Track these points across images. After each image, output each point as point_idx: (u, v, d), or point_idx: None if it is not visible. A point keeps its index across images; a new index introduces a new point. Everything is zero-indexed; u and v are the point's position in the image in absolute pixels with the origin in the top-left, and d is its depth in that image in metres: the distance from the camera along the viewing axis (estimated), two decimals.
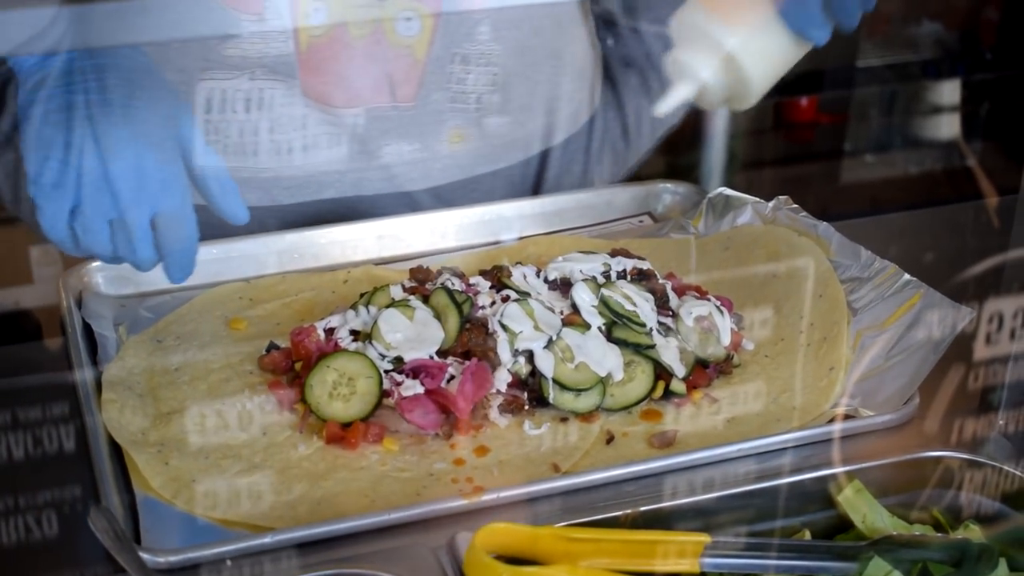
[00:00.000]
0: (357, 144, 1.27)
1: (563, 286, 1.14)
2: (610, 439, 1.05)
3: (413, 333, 1.07)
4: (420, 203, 1.34)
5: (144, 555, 0.90)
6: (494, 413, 1.06)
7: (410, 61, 1.26)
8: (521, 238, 1.33)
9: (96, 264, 1.22)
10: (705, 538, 0.91)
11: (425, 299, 1.10)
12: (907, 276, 1.19)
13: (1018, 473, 0.99)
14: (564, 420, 1.06)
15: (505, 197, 1.38)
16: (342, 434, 1.03)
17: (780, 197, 1.33)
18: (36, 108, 0.98)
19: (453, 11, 1.23)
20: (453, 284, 1.12)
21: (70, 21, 0.93)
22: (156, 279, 1.23)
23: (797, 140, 2.22)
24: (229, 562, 0.91)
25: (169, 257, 1.03)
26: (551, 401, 1.06)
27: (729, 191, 1.35)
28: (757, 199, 1.34)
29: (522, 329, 1.08)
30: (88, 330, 1.15)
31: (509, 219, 1.35)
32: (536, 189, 1.42)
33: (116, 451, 1.01)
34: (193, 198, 1.03)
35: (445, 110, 1.29)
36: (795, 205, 1.32)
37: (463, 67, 1.28)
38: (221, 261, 1.26)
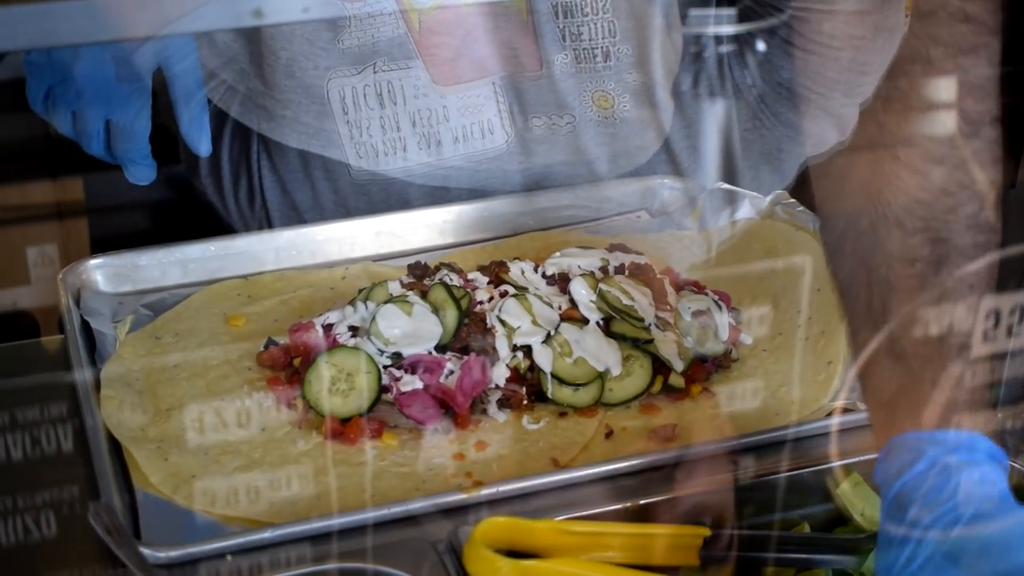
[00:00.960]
0: (509, 124, 1.30)
1: (561, 281, 1.14)
2: (609, 433, 1.05)
3: (411, 328, 1.07)
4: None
5: (145, 550, 0.90)
6: (493, 408, 1.06)
7: (520, 23, 1.25)
8: (518, 234, 1.33)
9: (95, 262, 1.22)
10: (704, 531, 0.92)
11: (423, 295, 1.10)
12: None
13: (1017, 466, 0.99)
14: (563, 415, 1.06)
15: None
16: (341, 429, 1.03)
17: (777, 192, 1.33)
18: None
19: None
20: (451, 280, 1.13)
21: None
22: (156, 276, 1.24)
23: None
24: (229, 557, 0.91)
25: (121, 163, 1.12)
26: (550, 396, 1.06)
27: (726, 186, 1.35)
28: (754, 194, 1.34)
29: (520, 324, 1.08)
30: (86, 328, 1.15)
31: (506, 215, 1.35)
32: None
33: (115, 448, 1.01)
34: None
35: (570, 71, 1.28)
36: (792, 200, 1.32)
37: (570, 20, 1.25)
38: (219, 258, 1.26)
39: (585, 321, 1.09)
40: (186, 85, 1.12)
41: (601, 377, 1.07)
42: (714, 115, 1.39)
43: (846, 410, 1.06)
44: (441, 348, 1.07)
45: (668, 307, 1.13)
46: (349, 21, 1.22)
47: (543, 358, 1.07)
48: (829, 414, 1.05)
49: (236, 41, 1.32)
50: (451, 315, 1.08)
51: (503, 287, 1.12)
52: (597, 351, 1.07)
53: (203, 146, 1.13)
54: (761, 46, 1.28)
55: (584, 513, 0.96)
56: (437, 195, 1.34)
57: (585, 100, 1.30)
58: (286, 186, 1.36)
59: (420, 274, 1.16)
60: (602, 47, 1.27)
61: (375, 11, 1.22)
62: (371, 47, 1.25)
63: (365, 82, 1.27)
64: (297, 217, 1.37)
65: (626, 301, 1.11)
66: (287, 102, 1.30)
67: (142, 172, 1.13)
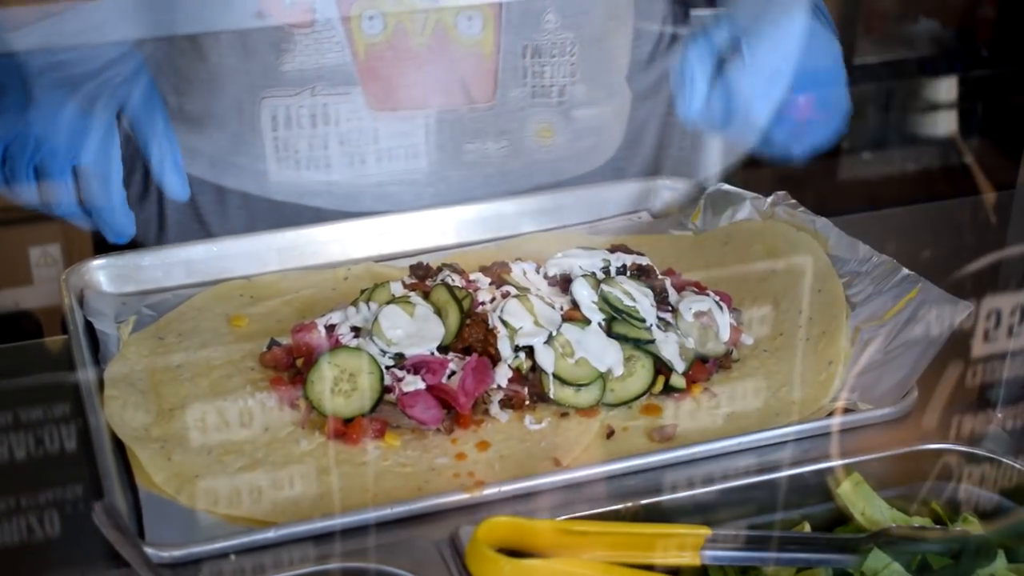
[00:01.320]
0: (433, 149, 1.28)
1: (563, 282, 1.14)
2: (610, 433, 1.05)
3: (414, 329, 1.07)
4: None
5: (148, 550, 0.90)
6: (495, 408, 1.06)
7: (479, 59, 1.25)
8: (520, 235, 1.33)
9: (98, 262, 1.22)
10: (706, 531, 0.92)
11: (425, 295, 1.11)
12: (905, 271, 1.19)
13: (1017, 466, 1.00)
14: (564, 415, 1.06)
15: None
16: (344, 430, 1.03)
17: (778, 193, 1.33)
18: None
19: (514, 1, 1.23)
20: (453, 280, 1.13)
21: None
22: (159, 277, 1.24)
23: None
24: (233, 557, 0.92)
25: (94, 213, 1.06)
26: (551, 396, 1.06)
27: (728, 186, 1.36)
28: (755, 195, 1.34)
29: (522, 325, 1.08)
30: (89, 328, 1.15)
31: (508, 216, 1.35)
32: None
33: (119, 448, 1.01)
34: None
35: (526, 106, 1.29)
36: (793, 201, 1.32)
37: (537, 59, 1.27)
38: (222, 259, 1.26)
39: (587, 322, 1.09)
40: (151, 118, 1.08)
41: (603, 377, 1.07)
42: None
43: (846, 410, 1.06)
44: (443, 349, 1.07)
45: (670, 308, 1.13)
46: (294, 46, 1.21)
47: (545, 359, 1.07)
48: (830, 414, 1.05)
49: (165, 47, 1.29)
50: (453, 316, 1.08)
51: (505, 288, 1.12)
52: (599, 352, 1.07)
53: (182, 190, 1.10)
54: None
55: (586, 513, 0.96)
56: (350, 209, 1.33)
57: (528, 131, 1.31)
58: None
59: (422, 275, 1.16)
60: (559, 85, 1.29)
61: (322, 37, 1.21)
62: (313, 72, 1.24)
63: (300, 103, 1.25)
64: (198, 221, 1.35)
65: (628, 302, 1.11)
66: (210, 113, 1.29)
67: (121, 224, 1.09)
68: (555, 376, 1.06)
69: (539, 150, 1.32)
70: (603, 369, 1.07)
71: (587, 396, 1.07)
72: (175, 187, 1.07)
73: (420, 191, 1.31)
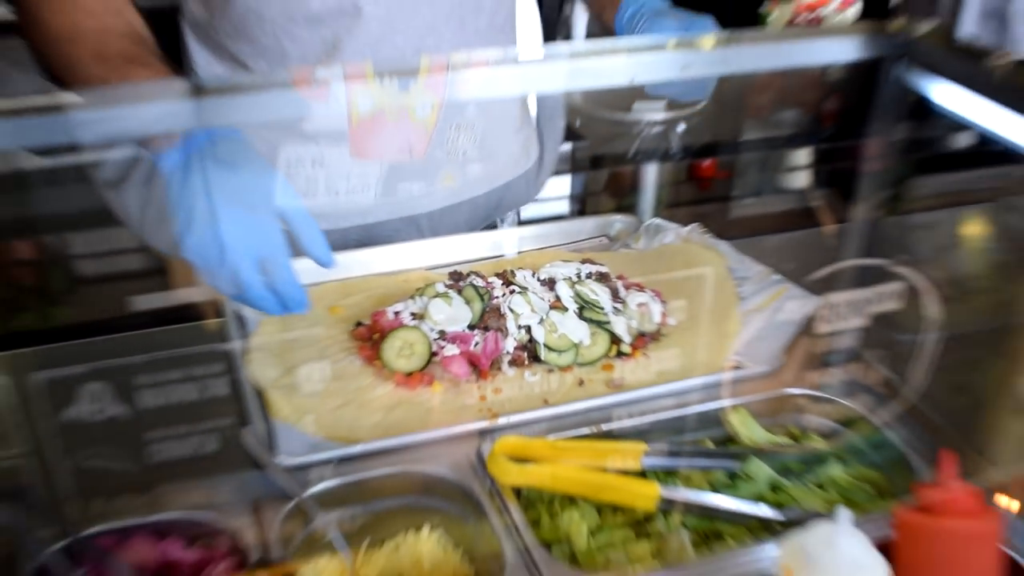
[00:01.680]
0: (380, 184, 1.21)
1: (549, 283, 1.14)
2: (580, 383, 1.05)
3: (451, 314, 1.08)
4: (421, 225, 1.27)
5: (277, 460, 0.92)
6: (505, 366, 1.06)
7: (422, 131, 1.20)
8: (521, 252, 1.33)
9: None
10: (643, 446, 0.93)
11: (459, 292, 1.11)
12: (776, 276, 1.20)
13: (845, 403, 1.01)
14: (551, 371, 1.07)
15: (472, 218, 1.31)
16: (405, 380, 1.04)
17: (693, 224, 1.33)
18: (174, 176, 0.90)
19: (451, 100, 1.19)
20: (477, 282, 1.13)
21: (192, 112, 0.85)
22: None
23: (704, 188, 2.24)
24: (333, 463, 0.93)
25: (279, 295, 0.91)
26: (542, 358, 1.07)
27: (659, 220, 1.35)
28: (678, 225, 1.33)
29: (523, 311, 1.08)
30: (237, 314, 1.14)
31: (514, 240, 1.34)
32: (494, 209, 1.36)
33: (258, 393, 1.02)
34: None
35: (442, 161, 1.24)
36: (703, 230, 1.32)
37: (456, 132, 1.23)
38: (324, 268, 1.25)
39: (566, 309, 1.10)
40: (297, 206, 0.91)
41: (576, 346, 1.07)
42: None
43: (736, 367, 1.06)
44: (471, 327, 1.08)
45: (620, 300, 1.13)
46: (311, 113, 1.13)
47: (538, 333, 1.07)
48: (725, 369, 1.06)
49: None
50: (477, 305, 1.09)
51: (512, 287, 1.13)
52: (573, 329, 1.08)
53: (330, 259, 0.93)
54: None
55: (565, 434, 0.97)
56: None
57: (439, 177, 1.25)
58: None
59: (457, 278, 1.16)
60: (464, 150, 1.24)
61: (330, 109, 1.10)
62: (322, 131, 1.17)
63: (307, 149, 1.17)
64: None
65: (592, 296, 1.11)
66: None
67: (301, 297, 0.92)
68: (545, 345, 1.07)
69: (441, 191, 1.26)
70: (576, 341, 1.07)
71: (566, 358, 1.07)
72: (324, 258, 0.93)
73: (370, 210, 1.24)
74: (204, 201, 0.88)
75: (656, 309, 1.13)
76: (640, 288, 1.17)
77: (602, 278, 1.16)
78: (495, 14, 1.21)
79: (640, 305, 1.12)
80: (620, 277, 1.19)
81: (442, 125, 1.21)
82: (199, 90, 0.71)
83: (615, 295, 1.13)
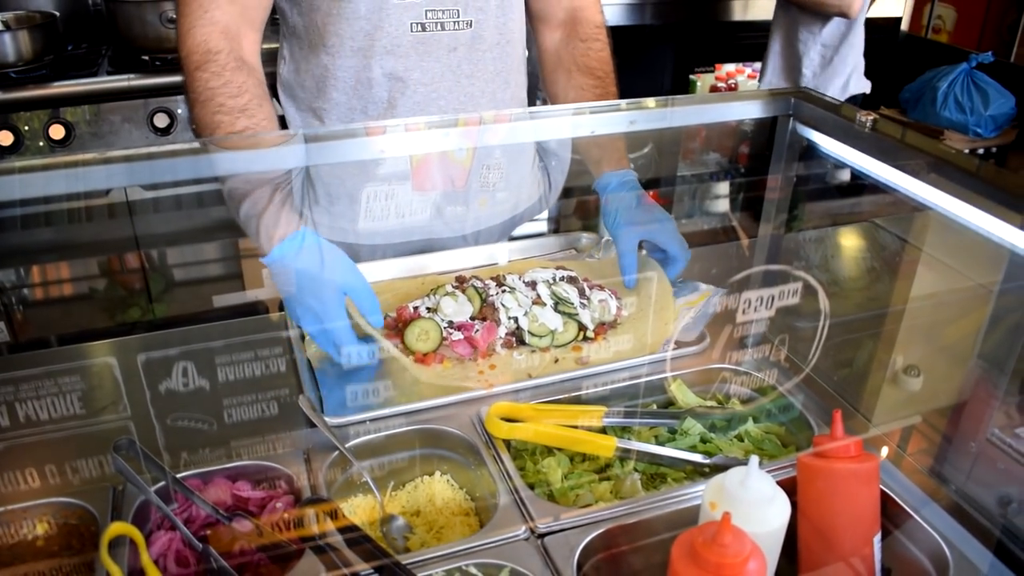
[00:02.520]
0: (434, 209, 1.23)
1: (532, 285, 1.13)
2: (556, 361, 1.04)
3: (458, 308, 1.07)
4: (466, 237, 1.27)
5: (326, 418, 0.91)
6: (499, 348, 1.05)
7: (461, 169, 1.21)
8: (510, 261, 1.32)
9: None
10: (603, 409, 0.92)
11: (463, 291, 1.10)
12: (703, 285, 1.19)
13: (758, 375, 1.00)
14: (533, 352, 1.06)
15: (504, 234, 1.32)
16: (422, 358, 1.02)
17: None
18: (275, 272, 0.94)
19: (482, 146, 1.20)
20: (477, 284, 1.12)
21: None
22: None
23: None
24: (368, 422, 0.92)
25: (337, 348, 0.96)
26: (527, 342, 1.06)
27: None
28: None
29: (512, 306, 1.08)
30: None
31: (504, 252, 1.33)
32: (516, 224, 1.36)
33: (310, 368, 1.01)
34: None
35: (477, 191, 1.25)
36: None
37: (487, 170, 1.23)
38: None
39: (545, 304, 1.09)
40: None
41: (552, 333, 1.06)
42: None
43: (675, 347, 1.05)
44: (472, 318, 1.07)
45: (586, 297, 1.12)
46: (383, 160, 1.15)
47: (523, 323, 1.06)
48: (666, 348, 1.05)
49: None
50: (477, 301, 1.08)
51: (503, 287, 1.12)
52: (550, 319, 1.07)
53: (378, 322, 0.97)
54: None
55: (545, 400, 0.96)
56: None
57: (475, 203, 1.25)
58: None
59: (461, 281, 1.15)
60: (494, 183, 1.24)
61: (394, 160, 1.15)
62: (390, 172, 1.18)
63: (381, 187, 1.18)
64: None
65: (565, 294, 1.10)
66: (327, 191, 1.18)
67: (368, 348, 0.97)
68: (528, 331, 1.06)
69: (478, 213, 1.27)
70: (552, 328, 1.06)
71: (544, 342, 1.06)
72: (375, 321, 0.97)
73: (424, 228, 1.25)
74: (294, 288, 0.93)
75: (613, 304, 1.12)
76: (601, 288, 1.16)
77: (572, 280, 1.15)
78: (519, 87, 1.22)
79: (601, 301, 1.12)
80: (585, 280, 1.18)
81: (476, 165, 1.22)
82: (306, 137, 0.73)
83: (582, 293, 1.12)
